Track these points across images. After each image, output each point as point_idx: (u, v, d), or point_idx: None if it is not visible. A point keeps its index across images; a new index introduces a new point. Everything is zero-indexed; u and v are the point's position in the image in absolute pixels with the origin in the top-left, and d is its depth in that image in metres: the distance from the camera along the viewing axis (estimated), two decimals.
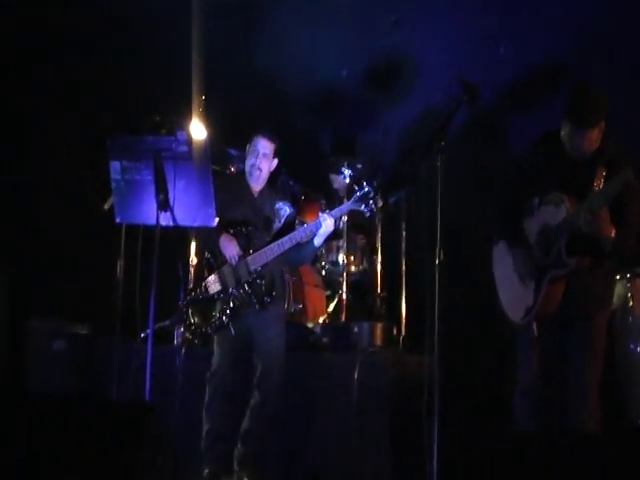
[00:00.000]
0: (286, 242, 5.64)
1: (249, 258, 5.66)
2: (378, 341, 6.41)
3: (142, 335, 6.57)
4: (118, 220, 5.11)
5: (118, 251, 5.70)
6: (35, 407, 3.88)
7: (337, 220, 5.81)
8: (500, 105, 7.18)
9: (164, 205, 4.83)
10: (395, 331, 6.63)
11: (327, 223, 5.61)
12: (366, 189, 5.67)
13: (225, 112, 7.02)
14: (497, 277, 5.16)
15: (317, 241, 5.71)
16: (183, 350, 5.72)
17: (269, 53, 7.60)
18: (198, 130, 5.39)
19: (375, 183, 5.77)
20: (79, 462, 3.74)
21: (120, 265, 5.71)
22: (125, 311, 5.99)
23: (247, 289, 5.64)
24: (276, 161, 5.86)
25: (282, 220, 5.85)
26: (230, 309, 5.65)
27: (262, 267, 5.65)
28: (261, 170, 5.78)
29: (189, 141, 4.86)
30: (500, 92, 7.11)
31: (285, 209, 5.88)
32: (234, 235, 5.67)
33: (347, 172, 6.95)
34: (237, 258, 5.64)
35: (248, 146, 5.85)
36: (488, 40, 7.12)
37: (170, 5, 7.13)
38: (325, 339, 6.51)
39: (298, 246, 5.72)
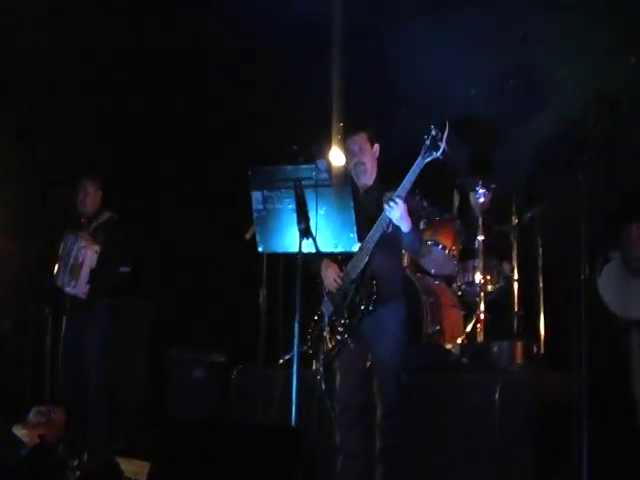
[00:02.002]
0: (369, 240, 5.37)
1: (348, 268, 5.53)
2: (518, 360, 6.35)
3: (281, 361, 6.69)
4: (260, 250, 5.21)
5: (260, 280, 5.78)
6: (194, 434, 3.98)
7: (407, 196, 5.35)
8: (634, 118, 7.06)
9: (306, 233, 4.91)
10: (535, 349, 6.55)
11: (393, 211, 5.27)
12: (432, 132, 5.31)
13: None
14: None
15: (403, 227, 5.37)
16: (322, 375, 5.71)
17: (400, 74, 7.64)
18: (337, 157, 5.44)
19: (439, 126, 5.32)
20: None
21: (263, 293, 5.80)
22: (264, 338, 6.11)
23: (354, 299, 5.49)
24: (377, 146, 5.67)
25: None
26: (344, 325, 5.52)
27: (361, 272, 5.47)
28: (364, 163, 5.60)
29: (329, 168, 4.93)
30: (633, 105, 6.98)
31: None
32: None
33: (482, 191, 6.94)
34: (336, 285, 5.55)
35: (345, 157, 5.74)
36: (619, 52, 7.00)
37: (307, 34, 7.23)
38: (464, 359, 6.48)
39: (392, 238, 5.46)
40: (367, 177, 5.64)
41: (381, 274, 5.48)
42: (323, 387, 5.36)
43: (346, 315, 5.49)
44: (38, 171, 8.05)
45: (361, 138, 5.62)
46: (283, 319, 5.60)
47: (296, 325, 4.95)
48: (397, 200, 5.24)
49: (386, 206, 5.25)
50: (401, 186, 5.33)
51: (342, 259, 5.53)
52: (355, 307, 5.47)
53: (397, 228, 5.36)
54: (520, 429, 5.77)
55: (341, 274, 5.54)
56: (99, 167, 7.61)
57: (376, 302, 5.45)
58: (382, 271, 5.49)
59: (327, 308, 5.62)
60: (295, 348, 4.95)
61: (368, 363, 5.65)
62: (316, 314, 5.70)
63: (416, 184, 6.85)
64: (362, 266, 5.45)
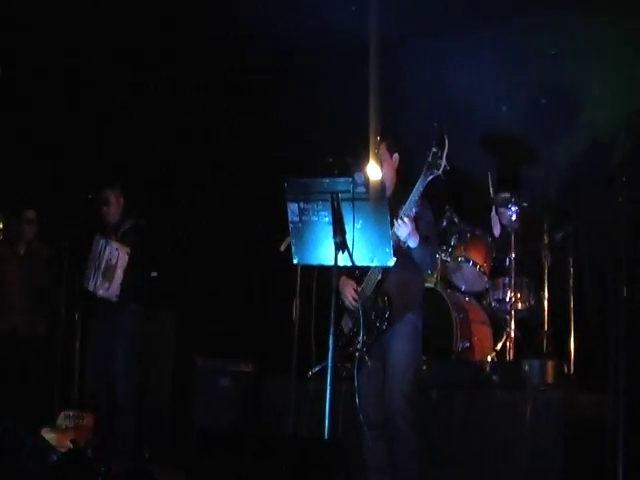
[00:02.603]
0: None
1: (364, 284, 5.54)
2: (549, 379, 6.31)
3: (310, 374, 6.67)
4: (296, 261, 5.18)
5: (294, 291, 5.77)
6: (231, 446, 3.98)
7: (410, 215, 5.31)
8: None
9: (342, 246, 4.90)
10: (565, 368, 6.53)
11: (401, 229, 5.29)
12: (433, 149, 5.28)
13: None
14: None
15: (411, 243, 5.39)
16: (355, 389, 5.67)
17: (430, 89, 7.65)
18: (374, 171, 5.43)
19: (439, 143, 5.27)
20: None
21: (296, 305, 5.79)
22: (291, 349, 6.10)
23: (370, 316, 5.47)
24: (396, 156, 5.68)
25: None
26: (362, 342, 5.47)
27: (375, 289, 5.50)
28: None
29: (366, 182, 4.92)
30: None
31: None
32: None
33: (514, 209, 6.93)
34: (353, 302, 5.56)
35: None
36: None
37: (344, 45, 7.25)
38: (495, 377, 6.46)
39: (406, 252, 5.43)
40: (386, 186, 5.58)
41: (394, 291, 5.52)
42: (357, 401, 5.30)
43: (363, 332, 5.44)
44: (67, 176, 8.09)
45: (380, 148, 5.63)
46: (309, 332, 5.59)
47: (331, 338, 4.92)
48: (404, 219, 5.27)
49: (395, 224, 5.27)
50: (406, 205, 5.34)
51: (360, 275, 5.54)
52: (371, 325, 5.48)
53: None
54: (551, 448, 5.75)
55: (358, 289, 5.56)
56: (125, 176, 7.66)
57: (389, 320, 5.48)
58: (395, 288, 5.52)
59: (346, 323, 5.66)
60: (329, 361, 4.91)
61: None
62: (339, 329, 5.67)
63: (446, 200, 6.93)
64: (375, 283, 5.50)
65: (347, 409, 5.19)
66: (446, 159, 5.26)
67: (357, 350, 5.48)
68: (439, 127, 5.34)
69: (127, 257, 7.05)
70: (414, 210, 5.37)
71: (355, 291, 5.57)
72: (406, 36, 7.70)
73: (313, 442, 4.25)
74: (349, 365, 5.55)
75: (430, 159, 5.30)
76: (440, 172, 5.28)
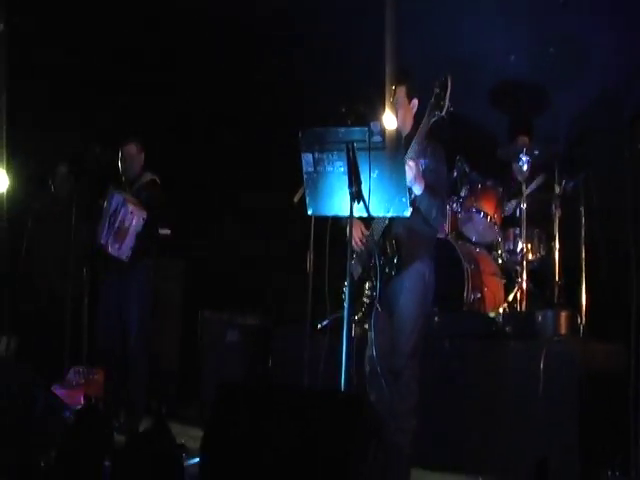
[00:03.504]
0: None
1: (372, 228, 5.40)
2: (562, 329, 6.30)
3: (319, 326, 6.65)
4: (310, 212, 5.11)
5: (307, 244, 5.68)
6: (250, 398, 3.94)
7: (415, 158, 5.19)
8: None
9: (357, 196, 4.84)
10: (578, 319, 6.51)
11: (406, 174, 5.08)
12: (436, 90, 5.17)
13: None
14: None
15: (415, 190, 5.23)
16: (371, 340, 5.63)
17: (439, 40, 7.55)
18: (390, 120, 5.33)
19: (441, 84, 5.16)
20: (294, 451, 3.80)
21: (310, 257, 5.71)
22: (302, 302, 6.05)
23: (378, 261, 5.29)
24: (415, 102, 5.50)
25: None
26: (371, 288, 5.40)
27: (383, 234, 5.36)
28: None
29: (382, 131, 4.84)
30: None
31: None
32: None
33: (525, 158, 6.86)
34: (361, 245, 5.44)
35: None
36: None
37: None
38: (508, 328, 6.44)
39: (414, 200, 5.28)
40: (403, 130, 5.44)
41: (402, 237, 5.39)
42: (374, 352, 5.26)
43: (372, 277, 5.39)
44: (75, 131, 7.99)
45: (399, 91, 5.47)
46: (316, 283, 5.54)
47: (346, 290, 4.90)
48: (409, 162, 5.12)
49: None
50: (410, 148, 5.20)
51: (368, 218, 5.32)
52: (379, 270, 5.29)
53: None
54: (565, 399, 5.74)
55: (367, 233, 5.44)
56: (139, 130, 7.58)
57: (398, 266, 5.36)
58: (403, 234, 5.40)
59: (355, 269, 5.49)
60: (345, 312, 4.88)
61: None
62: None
63: (458, 150, 6.84)
64: (383, 228, 5.37)
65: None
66: (449, 100, 5.14)
67: (367, 296, 5.42)
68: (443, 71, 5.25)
69: (142, 222, 6.92)
70: (420, 162, 5.27)
71: (362, 234, 5.46)
72: None
73: (333, 395, 4.18)
74: (360, 314, 5.45)
75: (433, 100, 5.19)
76: (443, 114, 5.18)
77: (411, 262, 5.42)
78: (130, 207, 6.95)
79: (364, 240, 5.45)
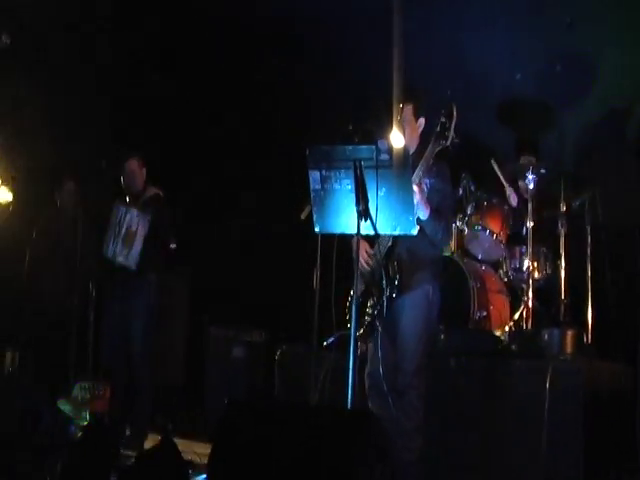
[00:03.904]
0: None
1: (376, 248, 5.40)
2: (569, 348, 6.28)
3: (325, 343, 6.66)
4: (317, 230, 5.12)
5: (314, 260, 5.71)
6: (259, 415, 3.94)
7: (420, 184, 5.24)
8: None
9: (365, 214, 4.85)
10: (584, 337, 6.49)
11: None
12: (442, 120, 5.21)
13: None
14: None
15: (421, 215, 5.23)
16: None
17: (446, 58, 7.57)
18: (397, 138, 5.35)
19: (446, 114, 5.20)
20: (301, 467, 3.80)
21: (316, 275, 5.73)
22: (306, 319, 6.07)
23: (381, 282, 5.35)
24: (422, 121, 5.52)
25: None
26: (373, 307, 5.42)
27: (386, 255, 5.37)
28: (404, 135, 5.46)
29: (390, 149, 4.85)
30: None
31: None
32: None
33: (531, 177, 6.86)
34: (366, 265, 5.46)
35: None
36: None
37: (365, 10, 7.17)
38: (514, 346, 6.43)
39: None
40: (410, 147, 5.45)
41: (404, 259, 5.41)
42: (381, 370, 5.26)
43: (375, 296, 5.41)
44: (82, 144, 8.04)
45: (407, 110, 5.50)
46: (322, 301, 5.55)
47: (354, 307, 4.91)
48: (414, 187, 5.11)
49: None
50: (414, 174, 5.20)
51: (374, 237, 5.34)
52: (382, 290, 5.36)
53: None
54: (571, 418, 5.70)
55: (371, 252, 5.45)
56: (142, 146, 7.61)
57: (400, 287, 5.37)
58: (405, 256, 5.41)
59: (359, 287, 5.41)
60: (352, 329, 4.90)
61: None
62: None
63: (463, 168, 6.85)
64: (386, 248, 5.38)
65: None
66: (455, 131, 5.18)
67: (368, 315, 5.43)
68: (449, 97, 5.27)
69: (148, 225, 7.03)
70: (425, 182, 5.31)
71: (367, 254, 5.47)
72: (422, 2, 7.61)
73: (341, 412, 4.19)
74: (362, 331, 5.44)
75: (438, 129, 5.23)
76: (448, 144, 5.22)
77: (413, 283, 5.44)
78: (135, 211, 7.09)
79: (369, 260, 5.46)
